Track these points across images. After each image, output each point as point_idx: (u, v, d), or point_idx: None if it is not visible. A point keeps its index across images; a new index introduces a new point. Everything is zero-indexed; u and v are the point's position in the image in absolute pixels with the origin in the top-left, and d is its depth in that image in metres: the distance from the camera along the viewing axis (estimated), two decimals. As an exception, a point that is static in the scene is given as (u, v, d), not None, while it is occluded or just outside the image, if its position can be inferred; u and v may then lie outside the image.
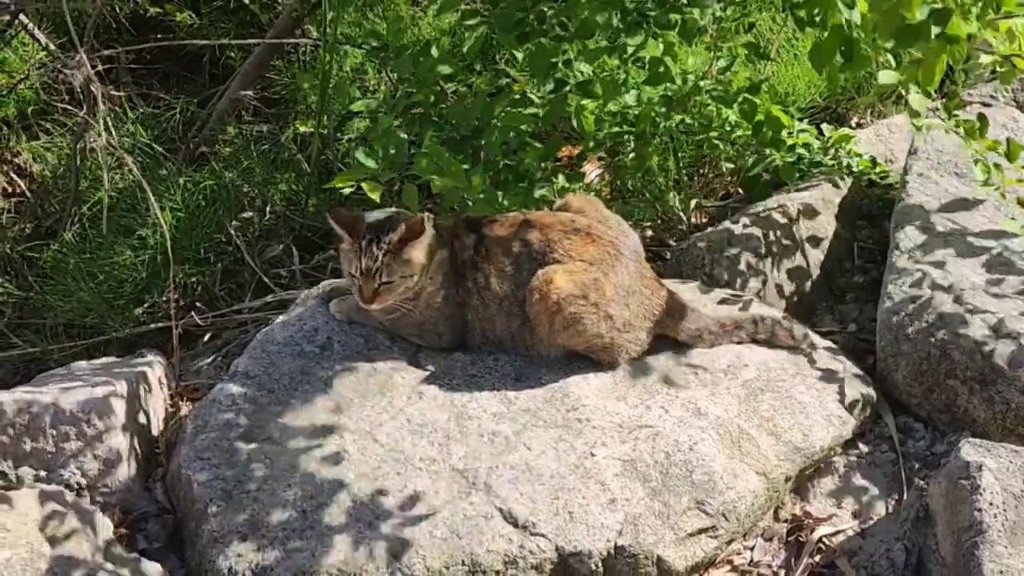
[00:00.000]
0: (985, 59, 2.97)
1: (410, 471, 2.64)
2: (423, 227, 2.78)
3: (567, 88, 3.22)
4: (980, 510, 2.48)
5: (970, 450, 2.60)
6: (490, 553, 2.51)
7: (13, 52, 4.22)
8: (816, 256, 3.36)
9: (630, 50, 3.05)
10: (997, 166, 2.96)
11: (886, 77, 2.85)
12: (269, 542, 2.51)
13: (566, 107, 3.27)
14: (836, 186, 3.51)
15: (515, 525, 2.55)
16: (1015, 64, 2.91)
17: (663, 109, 3.42)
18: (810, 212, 3.39)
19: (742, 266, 3.28)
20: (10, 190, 4.07)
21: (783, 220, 3.34)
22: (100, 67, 3.89)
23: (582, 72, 3.36)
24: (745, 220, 3.35)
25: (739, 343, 2.99)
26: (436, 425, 2.74)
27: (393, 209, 2.93)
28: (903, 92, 2.88)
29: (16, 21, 3.96)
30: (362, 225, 2.80)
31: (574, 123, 3.39)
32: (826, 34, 2.80)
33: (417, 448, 2.69)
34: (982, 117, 2.97)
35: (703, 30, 3.27)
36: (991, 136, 3.01)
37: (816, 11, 2.86)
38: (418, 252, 2.79)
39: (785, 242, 3.31)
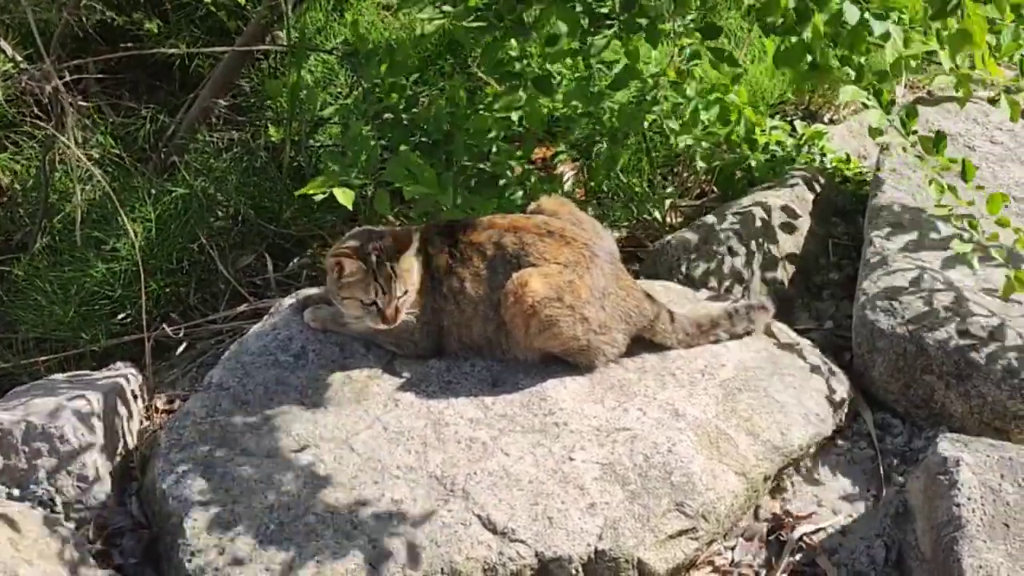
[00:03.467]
0: (943, 79, 3.03)
1: (387, 479, 2.62)
2: (411, 238, 2.77)
3: (519, 83, 3.21)
4: (958, 505, 2.49)
5: (947, 445, 2.60)
6: (469, 560, 2.49)
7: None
8: (792, 253, 3.35)
9: (595, 51, 3.05)
10: (952, 188, 2.95)
11: (847, 94, 2.95)
12: (246, 554, 2.49)
13: (518, 101, 3.27)
14: (810, 183, 3.51)
15: (494, 532, 2.53)
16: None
17: (634, 107, 3.42)
18: (785, 210, 3.39)
19: (717, 265, 3.27)
20: (-22, 204, 4.03)
21: (758, 218, 3.33)
22: (68, 77, 3.86)
23: (545, 69, 3.34)
24: (720, 219, 3.35)
25: (715, 342, 2.98)
26: (413, 432, 2.72)
27: (370, 227, 2.92)
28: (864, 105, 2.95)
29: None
30: (365, 250, 2.77)
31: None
32: (792, 40, 2.85)
33: (394, 456, 2.67)
34: (939, 134, 2.97)
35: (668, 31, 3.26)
36: (955, 134, 3.02)
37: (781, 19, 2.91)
38: (411, 262, 2.78)
39: (760, 240, 3.31)
